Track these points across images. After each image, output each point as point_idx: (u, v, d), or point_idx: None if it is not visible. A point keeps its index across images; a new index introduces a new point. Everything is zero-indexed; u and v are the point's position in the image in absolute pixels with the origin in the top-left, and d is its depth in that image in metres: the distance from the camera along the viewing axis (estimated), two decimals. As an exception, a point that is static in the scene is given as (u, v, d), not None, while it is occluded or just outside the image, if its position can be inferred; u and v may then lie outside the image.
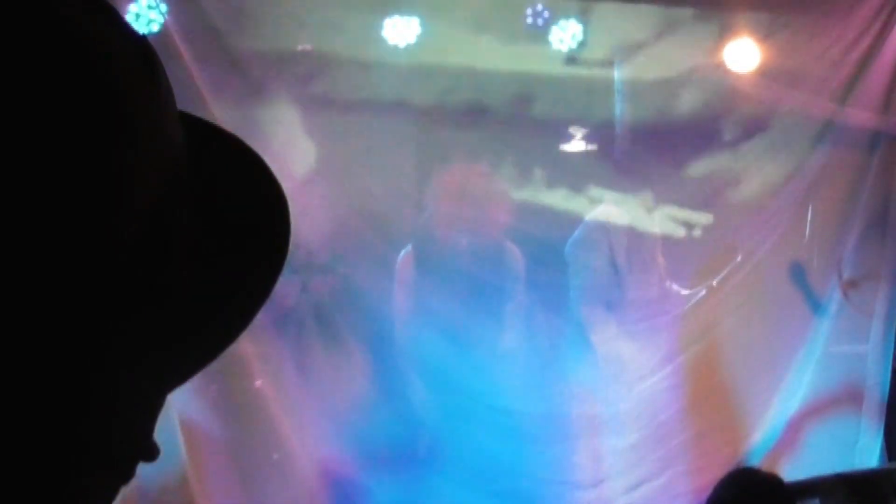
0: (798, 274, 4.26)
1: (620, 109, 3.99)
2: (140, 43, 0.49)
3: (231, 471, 3.61)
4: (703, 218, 4.10)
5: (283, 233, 0.59)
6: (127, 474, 0.51)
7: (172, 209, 0.48)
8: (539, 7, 3.87)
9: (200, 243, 0.51)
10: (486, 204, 3.86)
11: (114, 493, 0.51)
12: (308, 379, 3.72)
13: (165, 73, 0.51)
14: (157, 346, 0.49)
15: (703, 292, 4.08)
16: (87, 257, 0.44)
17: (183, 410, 3.42)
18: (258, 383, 3.66)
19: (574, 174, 4.06)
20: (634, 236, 4.05)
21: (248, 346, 3.54)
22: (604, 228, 4.01)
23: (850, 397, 4.27)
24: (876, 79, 4.06)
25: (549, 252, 3.97)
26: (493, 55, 3.78)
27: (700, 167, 4.05)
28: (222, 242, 0.54)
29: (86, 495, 0.48)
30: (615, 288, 4.03)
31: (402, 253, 3.80)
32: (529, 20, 3.89)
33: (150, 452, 0.53)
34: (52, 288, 0.43)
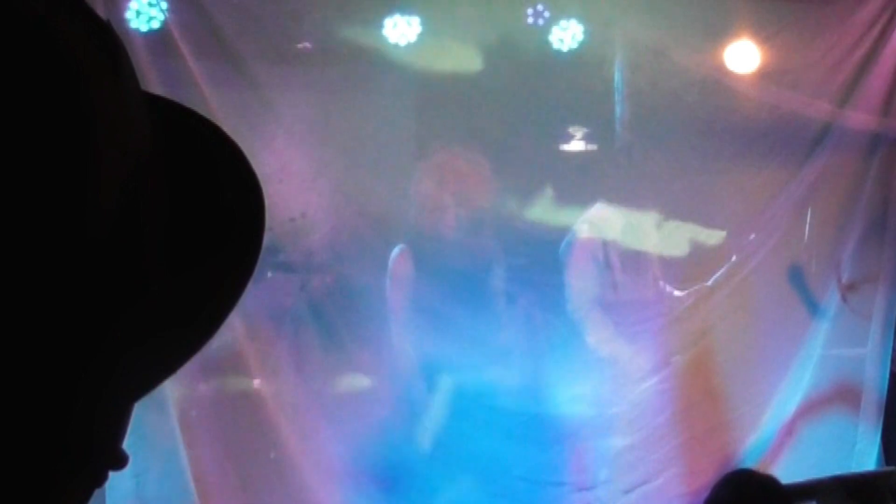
0: (796, 276, 4.26)
1: (620, 109, 3.98)
2: (104, 32, 0.48)
3: (229, 469, 3.60)
4: (702, 219, 4.10)
5: (259, 224, 0.58)
6: (100, 480, 0.51)
7: (140, 201, 0.47)
8: (539, 7, 3.87)
9: (180, 241, 0.50)
10: (464, 181, 3.84)
11: (87, 496, 0.51)
12: (306, 378, 3.71)
13: (131, 63, 0.50)
14: (140, 352, 0.48)
15: (700, 293, 4.08)
16: (55, 255, 0.43)
17: (181, 409, 3.41)
18: (256, 382, 3.65)
19: (573, 174, 4.06)
20: (629, 237, 4.04)
21: (247, 344, 3.54)
22: (598, 229, 4.01)
23: (847, 400, 4.27)
24: (876, 82, 4.06)
25: (546, 253, 3.97)
26: (493, 55, 3.78)
27: (699, 168, 4.05)
28: (203, 239, 0.53)
29: (62, 498, 0.48)
30: (609, 289, 4.03)
31: (396, 251, 3.79)
32: (530, 20, 3.88)
33: (120, 460, 0.52)
34: (33, 298, 0.42)
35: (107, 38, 0.48)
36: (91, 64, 0.46)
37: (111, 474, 0.52)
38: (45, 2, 0.45)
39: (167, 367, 0.53)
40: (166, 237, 0.49)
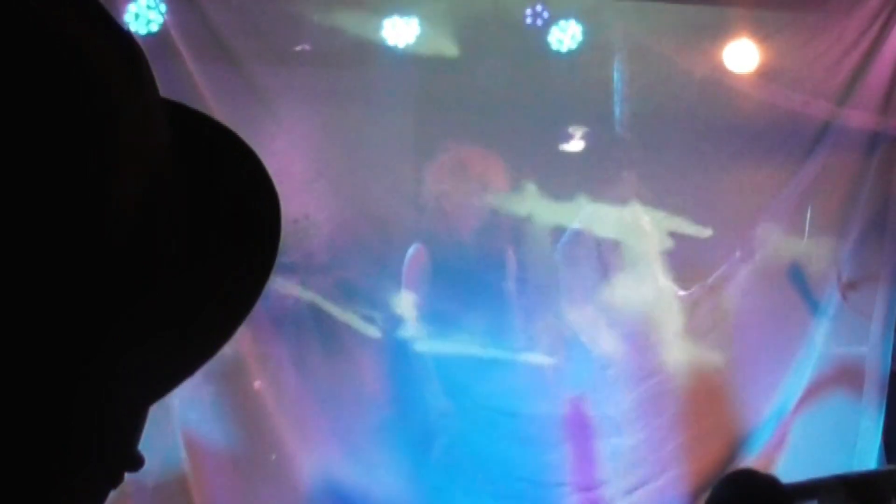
0: (797, 275, 4.26)
1: (620, 110, 3.99)
2: (123, 39, 0.49)
3: (230, 471, 3.60)
4: (702, 218, 4.10)
5: (274, 229, 0.58)
6: (113, 481, 0.51)
7: (157, 210, 0.47)
8: (539, 7, 3.87)
9: (188, 243, 0.51)
10: (486, 165, 3.85)
11: (102, 498, 0.51)
12: (307, 379, 3.71)
13: (150, 70, 0.50)
14: (142, 351, 0.48)
15: (700, 293, 4.08)
16: (70, 262, 0.43)
17: (182, 411, 3.41)
18: (257, 384, 3.65)
19: (573, 174, 4.06)
20: (627, 237, 4.04)
21: (247, 346, 3.54)
22: (593, 230, 4.01)
23: (848, 399, 4.27)
24: (875, 80, 4.06)
25: (546, 253, 3.97)
26: (492, 55, 3.78)
27: (699, 167, 4.05)
28: (211, 241, 0.53)
29: (64, 498, 0.48)
30: (606, 289, 4.03)
31: (411, 250, 3.79)
32: (529, 20, 3.89)
33: (135, 462, 0.52)
34: (36, 293, 0.42)
35: (126, 45, 0.48)
36: (112, 71, 0.46)
37: None
38: (65, 8, 0.46)
39: (176, 370, 0.52)
40: (174, 239, 0.50)
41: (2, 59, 0.42)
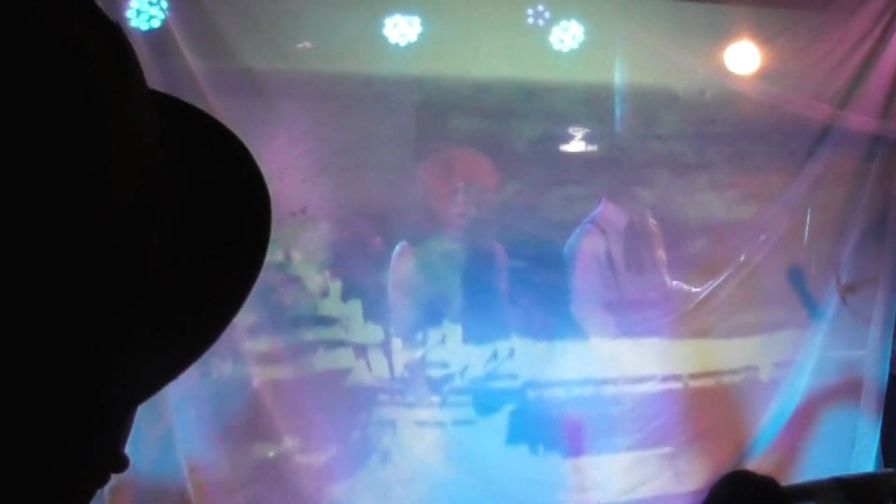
0: (796, 278, 4.26)
1: (620, 110, 3.99)
2: (115, 37, 0.48)
3: (227, 469, 3.60)
4: (704, 220, 4.11)
5: (266, 230, 0.58)
6: (102, 480, 0.51)
7: (156, 211, 0.47)
8: (540, 7, 3.87)
9: (187, 243, 0.51)
10: (473, 169, 3.85)
11: (89, 497, 0.51)
12: (306, 378, 3.71)
13: (140, 67, 0.50)
14: (141, 352, 0.48)
15: (703, 294, 4.09)
16: (69, 263, 0.43)
17: (179, 409, 3.41)
18: (255, 382, 3.65)
19: (574, 175, 4.06)
20: (632, 238, 4.05)
21: (246, 345, 3.54)
22: (601, 230, 4.01)
23: (846, 402, 4.27)
24: (876, 83, 4.06)
25: (549, 253, 3.97)
26: (493, 55, 3.78)
27: (699, 169, 4.06)
28: (210, 241, 0.53)
29: (63, 498, 0.48)
30: (612, 289, 4.04)
31: (398, 248, 3.79)
32: (530, 20, 3.88)
33: (122, 462, 0.52)
34: (35, 294, 0.42)
35: (118, 44, 0.48)
36: (110, 71, 0.46)
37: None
38: (65, 8, 0.45)
39: (168, 369, 0.52)
40: (171, 238, 0.49)
41: (2, 60, 0.42)
